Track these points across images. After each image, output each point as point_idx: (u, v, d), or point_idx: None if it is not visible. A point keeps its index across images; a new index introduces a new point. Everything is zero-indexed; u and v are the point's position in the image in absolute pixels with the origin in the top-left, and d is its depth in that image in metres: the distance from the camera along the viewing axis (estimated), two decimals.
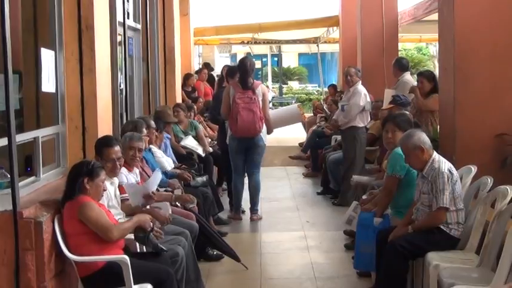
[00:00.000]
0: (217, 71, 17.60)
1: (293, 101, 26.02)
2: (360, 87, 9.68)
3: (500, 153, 6.73)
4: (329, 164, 10.53)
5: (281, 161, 14.31)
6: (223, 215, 9.00)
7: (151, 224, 5.18)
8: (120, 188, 5.78)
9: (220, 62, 28.63)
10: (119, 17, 8.04)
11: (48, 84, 5.87)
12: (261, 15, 19.78)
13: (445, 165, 5.49)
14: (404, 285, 5.51)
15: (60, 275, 4.93)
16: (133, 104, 9.53)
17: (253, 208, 9.18)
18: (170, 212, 6.15)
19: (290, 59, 42.77)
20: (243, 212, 9.38)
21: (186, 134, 10.01)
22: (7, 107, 4.54)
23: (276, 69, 38.61)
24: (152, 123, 7.57)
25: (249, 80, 8.80)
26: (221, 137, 9.95)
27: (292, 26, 18.65)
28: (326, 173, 10.80)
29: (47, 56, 5.84)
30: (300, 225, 8.86)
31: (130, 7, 9.47)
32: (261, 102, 8.80)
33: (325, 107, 14.48)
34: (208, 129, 11.74)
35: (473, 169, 6.01)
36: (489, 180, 5.59)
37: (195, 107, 11.88)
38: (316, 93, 29.66)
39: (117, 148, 5.60)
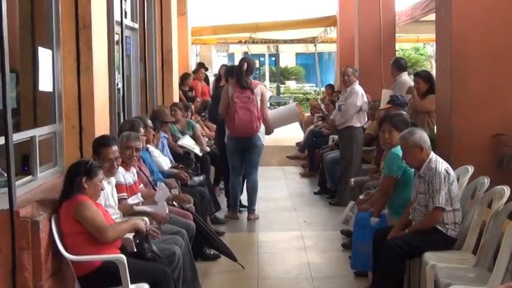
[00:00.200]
0: (214, 71, 17.60)
1: (290, 101, 25.99)
2: (357, 87, 9.69)
3: (497, 154, 6.74)
4: (326, 163, 10.54)
5: (278, 161, 14.31)
6: (221, 214, 9.00)
7: (147, 228, 5.18)
8: (118, 187, 5.77)
9: (217, 62, 28.65)
10: (117, 16, 8.04)
11: (45, 83, 5.86)
12: (258, 14, 19.76)
13: (442, 165, 5.50)
14: (401, 285, 5.52)
15: (57, 275, 4.92)
16: (130, 104, 9.53)
17: (251, 208, 9.18)
18: (167, 212, 6.14)
19: (287, 59, 42.73)
20: (240, 211, 9.39)
21: (183, 133, 10.01)
22: (4, 106, 4.53)
23: (273, 68, 38.60)
24: (149, 122, 7.57)
25: (244, 79, 8.79)
26: (219, 136, 9.94)
27: (289, 25, 18.63)
28: (323, 173, 10.81)
29: (44, 55, 5.84)
30: (297, 225, 8.86)
31: (127, 6, 9.47)
32: (259, 102, 8.79)
33: (322, 106, 14.47)
34: (205, 128, 11.74)
35: (470, 169, 6.01)
36: (486, 180, 5.60)
37: (193, 106, 11.89)
38: (314, 93, 29.64)
39: (115, 148, 5.60)
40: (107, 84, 6.95)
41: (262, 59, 37.16)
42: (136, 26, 10.23)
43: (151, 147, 7.70)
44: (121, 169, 5.93)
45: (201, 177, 8.21)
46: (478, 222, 5.35)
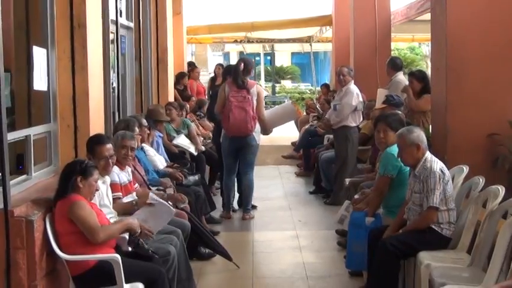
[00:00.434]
0: (210, 70, 17.59)
1: (286, 100, 25.99)
2: (352, 87, 9.69)
3: (491, 153, 6.76)
4: (321, 163, 10.54)
5: (273, 160, 14.31)
6: (216, 214, 8.99)
7: (140, 229, 5.17)
8: (112, 186, 5.76)
9: (213, 61, 28.62)
10: (112, 15, 8.03)
11: (40, 83, 5.85)
12: (254, 14, 19.73)
13: (437, 164, 5.50)
14: (396, 285, 5.52)
15: (51, 274, 4.91)
16: (125, 103, 9.50)
17: (246, 207, 9.18)
18: (174, 211, 6.13)
19: (283, 58, 42.74)
20: (234, 210, 9.41)
21: (178, 132, 10.01)
22: None
23: (269, 68, 38.60)
24: (144, 121, 7.57)
25: (240, 79, 8.79)
26: (217, 135, 9.94)
27: (285, 25, 18.64)
28: (318, 172, 10.81)
29: (39, 54, 5.82)
30: (292, 224, 8.86)
31: (123, 5, 9.45)
32: (255, 102, 8.80)
33: (317, 106, 14.49)
34: (200, 127, 11.73)
35: (465, 169, 6.02)
36: (481, 180, 5.61)
37: (188, 105, 11.89)
38: (309, 93, 29.64)
39: (109, 146, 5.59)
40: (102, 83, 6.94)
41: (257, 58, 37.13)
42: (132, 25, 10.21)
43: (146, 146, 7.70)
44: (116, 168, 5.92)
45: (196, 177, 8.21)
46: (472, 222, 5.36)
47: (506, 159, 6.62)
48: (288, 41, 23.18)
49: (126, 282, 4.74)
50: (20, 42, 6.10)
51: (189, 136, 10.15)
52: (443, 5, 6.95)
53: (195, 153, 9.89)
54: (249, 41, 21.98)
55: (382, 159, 6.44)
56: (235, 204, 9.59)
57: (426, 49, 28.62)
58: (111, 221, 5.19)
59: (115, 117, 8.22)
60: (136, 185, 6.46)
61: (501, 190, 5.16)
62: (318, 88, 21.11)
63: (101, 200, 5.37)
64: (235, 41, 22.34)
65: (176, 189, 7.36)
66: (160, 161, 7.92)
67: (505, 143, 6.70)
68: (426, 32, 10.80)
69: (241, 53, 30.16)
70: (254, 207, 9.49)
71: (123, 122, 7.09)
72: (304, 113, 15.70)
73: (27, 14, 6.21)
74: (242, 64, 8.88)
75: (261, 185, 10.78)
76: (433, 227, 5.42)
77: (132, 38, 10.30)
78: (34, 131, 5.72)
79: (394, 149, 6.02)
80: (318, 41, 21.66)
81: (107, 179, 5.63)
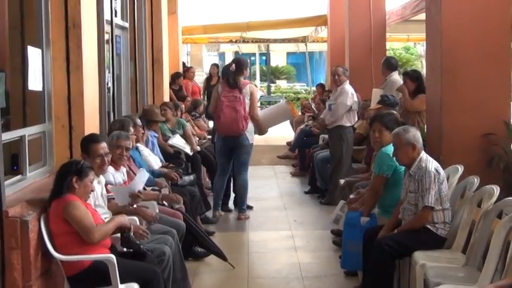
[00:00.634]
0: (205, 70, 17.58)
1: (281, 100, 26.01)
2: (347, 87, 9.69)
3: (486, 153, 6.77)
4: (317, 162, 10.54)
5: (269, 160, 14.31)
6: (211, 214, 8.98)
7: (131, 224, 5.16)
8: (107, 187, 5.76)
9: (208, 61, 28.58)
10: (107, 15, 8.01)
11: (34, 83, 5.83)
12: (249, 14, 19.71)
13: (432, 164, 5.51)
14: (391, 285, 5.52)
15: (46, 274, 4.91)
16: (120, 103, 9.50)
17: (241, 207, 9.18)
18: (157, 211, 6.14)
19: (278, 58, 42.69)
20: (230, 210, 9.41)
21: (173, 132, 10.01)
22: None
23: (264, 68, 38.57)
24: (138, 121, 7.57)
25: (232, 78, 8.82)
26: (214, 135, 9.95)
27: (280, 25, 18.65)
28: (313, 172, 10.81)
29: (33, 54, 5.81)
30: (287, 224, 8.86)
31: (118, 5, 9.44)
32: (247, 102, 8.80)
33: (313, 106, 14.49)
34: (196, 127, 11.73)
35: (460, 169, 6.03)
36: (476, 179, 5.62)
37: (183, 105, 11.88)
38: (304, 92, 29.64)
39: (104, 144, 5.59)
40: (97, 83, 6.93)
41: (253, 58, 37.10)
42: (127, 25, 10.21)
43: (141, 146, 7.69)
44: (111, 169, 5.92)
45: (191, 177, 8.21)
46: (467, 222, 5.36)
47: (501, 159, 6.63)
48: (283, 41, 23.19)
49: (121, 283, 4.74)
50: (14, 42, 6.09)
51: (184, 136, 10.15)
52: (438, 5, 6.96)
53: (191, 153, 9.89)
54: (245, 41, 21.97)
55: (377, 159, 6.44)
56: (231, 205, 9.60)
57: (421, 49, 28.67)
58: (106, 221, 5.18)
59: (110, 117, 8.20)
60: None
61: (496, 190, 5.17)
62: (314, 88, 21.13)
63: (96, 200, 5.36)
64: (231, 41, 22.34)
65: (171, 189, 7.35)
66: (155, 161, 7.91)
67: (500, 142, 6.71)
68: (421, 31, 10.80)
69: (236, 53, 30.14)
70: (250, 207, 9.49)
71: (118, 122, 7.08)
72: (300, 113, 15.70)
73: (22, 14, 6.20)
74: (234, 65, 8.91)
75: (256, 185, 10.78)
76: (428, 226, 5.43)
77: (127, 38, 10.30)
78: (29, 131, 5.71)
79: (390, 149, 6.02)
80: (313, 41, 21.67)
81: (102, 179, 5.62)
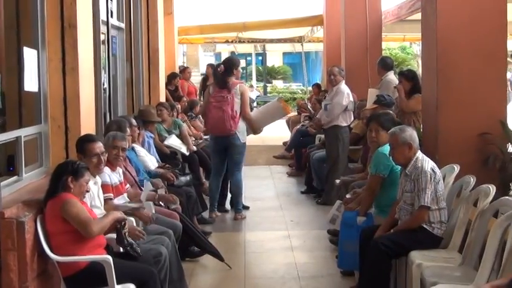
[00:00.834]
0: (201, 70, 17.58)
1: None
2: (343, 87, 9.69)
3: (482, 153, 6.76)
4: (313, 162, 10.55)
5: (265, 160, 14.31)
6: (207, 214, 8.98)
7: (126, 219, 5.15)
8: (104, 187, 5.75)
9: (204, 61, 28.61)
10: (102, 16, 8.01)
11: (30, 84, 5.83)
12: (245, 14, 19.72)
13: (428, 164, 5.52)
14: (388, 284, 5.53)
15: (42, 275, 4.90)
16: (116, 104, 9.50)
17: (237, 208, 9.18)
18: (153, 212, 6.14)
19: (274, 58, 42.74)
20: (226, 211, 9.41)
21: (169, 132, 10.00)
22: None
23: (260, 68, 38.61)
24: (134, 121, 7.57)
25: (220, 79, 8.89)
26: None
27: (276, 25, 18.66)
28: (310, 172, 10.81)
29: (29, 55, 5.81)
30: (284, 224, 8.86)
31: (113, 6, 9.44)
32: (237, 101, 8.80)
33: (309, 106, 14.49)
34: (192, 128, 11.72)
35: (456, 168, 6.03)
36: (472, 179, 5.62)
37: (179, 106, 11.88)
38: (301, 92, 29.63)
39: (100, 144, 5.59)
40: (93, 84, 6.93)
41: (249, 58, 37.19)
42: (123, 25, 10.20)
43: (137, 147, 7.69)
44: (107, 169, 5.91)
45: (188, 177, 8.21)
46: (463, 221, 5.37)
47: (497, 158, 6.63)
48: (279, 41, 23.21)
49: (117, 283, 4.73)
50: (10, 43, 6.09)
51: (181, 136, 10.15)
52: (434, 4, 6.96)
53: (187, 154, 9.89)
54: (241, 41, 21.98)
55: (373, 159, 6.44)
56: (227, 205, 9.60)
57: (417, 48, 28.71)
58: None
59: (106, 118, 8.20)
60: (128, 185, 6.45)
61: (492, 189, 5.17)
62: (310, 88, 21.13)
63: (92, 201, 5.36)
64: (227, 41, 22.37)
65: (168, 189, 7.34)
66: (151, 162, 7.90)
67: (496, 142, 6.71)
68: (417, 31, 10.82)
69: (232, 53, 30.16)
70: (246, 207, 9.49)
71: (115, 123, 7.07)
72: (296, 113, 15.69)
73: (18, 14, 6.20)
74: (222, 66, 8.98)
75: (252, 185, 10.79)
76: (425, 226, 5.43)
77: (123, 39, 10.29)
78: (25, 132, 5.70)
79: (386, 149, 6.02)
80: (309, 41, 21.70)
81: (98, 180, 5.61)
